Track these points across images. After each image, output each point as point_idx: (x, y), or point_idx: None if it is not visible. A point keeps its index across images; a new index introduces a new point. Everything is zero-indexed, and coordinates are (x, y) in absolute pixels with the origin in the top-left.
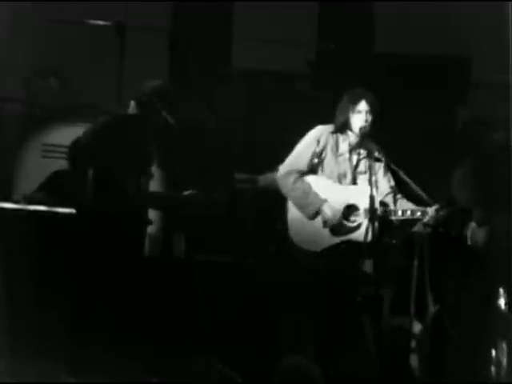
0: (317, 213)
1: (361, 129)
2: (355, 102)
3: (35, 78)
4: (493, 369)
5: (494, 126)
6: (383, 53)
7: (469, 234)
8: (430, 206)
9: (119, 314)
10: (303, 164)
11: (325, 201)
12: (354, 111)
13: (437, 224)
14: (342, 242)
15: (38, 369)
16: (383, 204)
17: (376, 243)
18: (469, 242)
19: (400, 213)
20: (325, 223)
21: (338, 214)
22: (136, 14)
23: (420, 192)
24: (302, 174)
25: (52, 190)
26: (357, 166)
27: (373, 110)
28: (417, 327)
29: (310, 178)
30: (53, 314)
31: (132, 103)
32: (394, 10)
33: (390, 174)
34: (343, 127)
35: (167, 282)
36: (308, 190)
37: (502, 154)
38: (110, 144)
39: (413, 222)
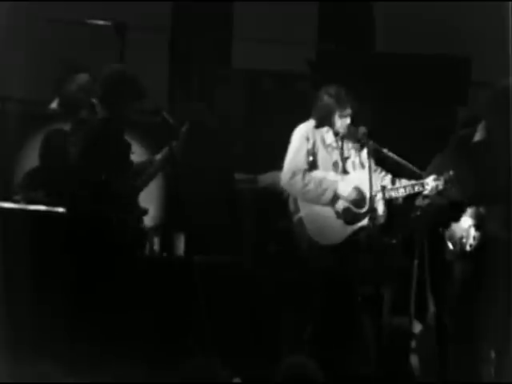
0: (335, 196)
1: (343, 128)
2: (343, 108)
3: (67, 75)
4: (493, 369)
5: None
6: (383, 53)
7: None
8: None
9: (119, 313)
10: (302, 163)
11: (337, 182)
12: (340, 116)
13: (437, 193)
14: (360, 229)
15: (38, 369)
16: (383, 187)
17: (383, 229)
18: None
19: (402, 190)
20: (338, 214)
21: (355, 191)
22: (136, 14)
23: (410, 166)
24: (306, 172)
25: (48, 189)
26: (343, 152)
27: (353, 113)
28: (417, 327)
29: (316, 173)
30: (52, 313)
31: (56, 100)
32: (394, 10)
33: (374, 158)
34: (325, 124)
35: (167, 282)
36: (320, 178)
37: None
38: (92, 146)
39: (413, 198)
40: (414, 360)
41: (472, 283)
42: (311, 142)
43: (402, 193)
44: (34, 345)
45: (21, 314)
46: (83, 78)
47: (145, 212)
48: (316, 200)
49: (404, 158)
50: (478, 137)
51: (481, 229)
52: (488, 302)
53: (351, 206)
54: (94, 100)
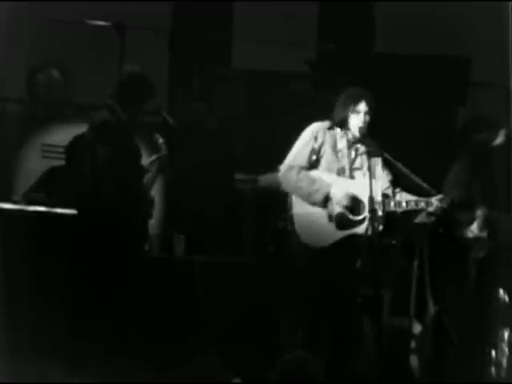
0: (326, 198)
1: (360, 129)
2: (356, 103)
3: (37, 72)
4: (493, 369)
5: (493, 126)
6: (383, 53)
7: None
8: (432, 196)
9: (119, 314)
10: (303, 161)
11: (331, 184)
12: (353, 111)
13: (441, 213)
14: (348, 236)
15: (38, 369)
16: (385, 196)
17: (380, 236)
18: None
19: (404, 204)
20: (330, 217)
21: (347, 197)
22: (136, 14)
23: (421, 182)
24: (303, 169)
25: (50, 188)
26: (354, 161)
27: (371, 111)
28: (417, 327)
29: (312, 173)
30: (53, 314)
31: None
32: (394, 10)
33: (387, 169)
34: (341, 125)
35: (167, 282)
36: (314, 178)
37: (493, 153)
38: (105, 145)
39: (416, 213)
40: (414, 360)
41: (472, 283)
42: (319, 142)
43: (403, 207)
44: (35, 345)
45: (21, 314)
46: (43, 76)
47: (150, 215)
48: (306, 198)
49: (403, 159)
50: (499, 140)
51: (492, 234)
52: (488, 302)
53: (346, 212)
54: (110, 101)
